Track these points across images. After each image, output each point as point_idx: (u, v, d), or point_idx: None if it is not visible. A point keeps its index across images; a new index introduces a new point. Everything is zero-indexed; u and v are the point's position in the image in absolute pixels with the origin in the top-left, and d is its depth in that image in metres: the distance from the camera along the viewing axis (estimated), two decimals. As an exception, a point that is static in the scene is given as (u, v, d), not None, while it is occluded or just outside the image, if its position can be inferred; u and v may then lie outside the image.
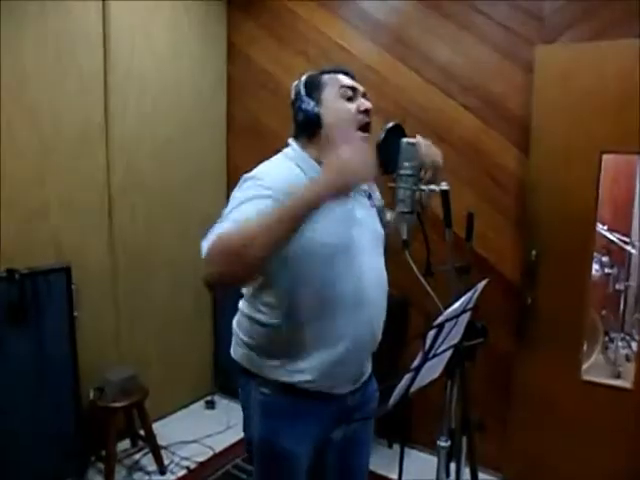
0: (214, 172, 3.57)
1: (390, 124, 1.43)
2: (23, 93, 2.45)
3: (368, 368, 1.60)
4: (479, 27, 2.66)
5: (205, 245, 1.22)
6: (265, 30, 3.35)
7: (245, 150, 3.54)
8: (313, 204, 1.14)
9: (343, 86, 1.44)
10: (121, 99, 2.89)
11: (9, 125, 2.41)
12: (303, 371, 1.42)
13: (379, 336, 1.54)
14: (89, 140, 2.76)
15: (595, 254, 3.10)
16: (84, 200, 2.76)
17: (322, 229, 1.31)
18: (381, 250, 1.57)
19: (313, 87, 1.46)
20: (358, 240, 1.45)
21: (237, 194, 1.34)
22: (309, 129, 1.45)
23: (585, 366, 2.68)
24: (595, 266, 3.28)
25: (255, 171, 1.39)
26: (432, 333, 1.19)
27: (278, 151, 1.55)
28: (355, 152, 1.18)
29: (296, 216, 1.14)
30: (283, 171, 1.40)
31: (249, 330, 1.48)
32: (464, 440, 1.61)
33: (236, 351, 1.56)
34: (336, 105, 1.44)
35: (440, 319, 1.21)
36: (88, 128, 2.75)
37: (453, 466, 1.63)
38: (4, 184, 2.40)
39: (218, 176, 3.60)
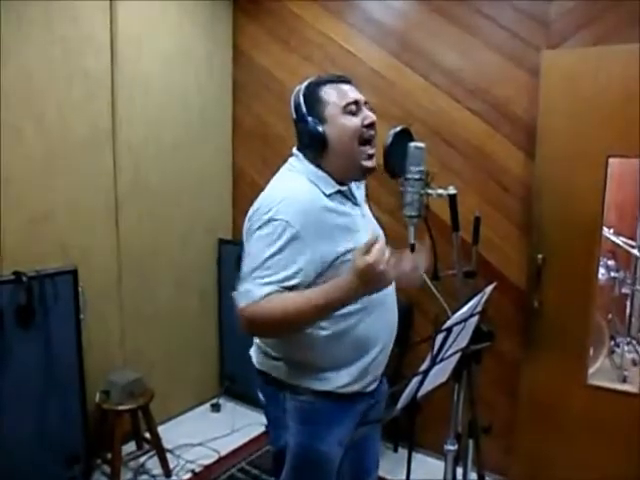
0: (220, 175, 3.58)
1: (397, 128, 1.43)
2: (30, 97, 2.47)
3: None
4: (485, 31, 2.66)
5: (245, 303, 1.30)
6: (271, 34, 3.36)
7: (251, 154, 3.55)
8: (344, 303, 1.26)
9: (348, 103, 1.43)
10: (127, 103, 2.90)
11: (16, 129, 2.42)
12: (342, 377, 1.45)
13: (396, 331, 1.60)
14: (96, 144, 2.77)
15: (601, 258, 3.09)
16: (91, 203, 2.78)
17: (355, 240, 1.38)
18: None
19: (315, 103, 1.45)
20: None
21: (265, 238, 1.33)
22: (317, 147, 1.44)
23: (591, 370, 2.67)
24: (601, 270, 3.26)
25: (277, 204, 1.35)
26: (440, 337, 1.19)
27: (282, 154, 1.55)
28: (383, 255, 1.18)
29: (330, 309, 1.28)
30: (300, 194, 1.39)
31: (280, 341, 1.48)
32: (471, 444, 1.61)
33: (262, 362, 1.55)
34: (341, 122, 1.42)
35: (449, 323, 1.21)
36: (95, 132, 2.76)
37: (460, 470, 1.63)
38: (12, 187, 2.41)
39: (223, 179, 3.61)
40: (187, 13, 3.19)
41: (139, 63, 2.94)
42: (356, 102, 1.44)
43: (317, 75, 1.53)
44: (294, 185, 1.43)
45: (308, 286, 1.32)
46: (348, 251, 1.36)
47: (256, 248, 1.33)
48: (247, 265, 1.34)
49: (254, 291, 1.28)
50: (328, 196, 1.43)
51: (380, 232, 1.59)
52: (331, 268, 1.36)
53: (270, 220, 1.33)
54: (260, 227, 1.34)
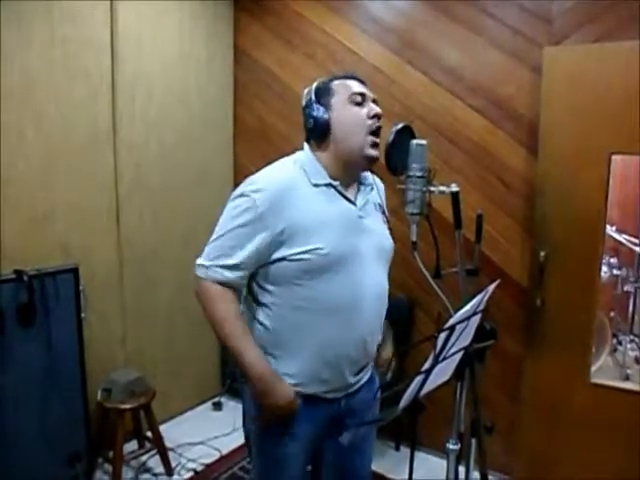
0: (221, 175, 3.57)
1: (399, 125, 1.43)
2: (31, 97, 2.46)
3: (362, 378, 1.59)
4: (487, 29, 2.65)
5: (200, 274, 1.46)
6: (272, 33, 3.36)
7: (252, 152, 3.55)
8: (247, 373, 1.43)
9: (353, 93, 1.45)
10: (128, 102, 2.90)
11: (17, 129, 2.42)
12: (293, 374, 1.46)
13: (372, 349, 1.56)
14: (97, 143, 2.77)
15: (604, 255, 3.08)
16: (92, 202, 2.77)
17: (326, 239, 1.38)
18: (385, 264, 1.58)
19: (323, 93, 1.47)
20: (363, 249, 1.46)
21: (231, 211, 1.43)
22: (318, 134, 1.46)
23: (594, 368, 2.66)
24: (604, 268, 3.25)
25: (254, 182, 1.43)
26: (443, 336, 1.19)
27: (284, 153, 1.55)
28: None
29: (241, 365, 1.44)
30: (281, 177, 1.43)
31: (250, 327, 1.51)
32: (473, 443, 1.60)
33: None
34: (345, 110, 1.45)
35: (451, 321, 1.20)
36: (96, 131, 2.76)
37: (462, 469, 1.62)
38: (12, 187, 2.41)
39: (225, 179, 3.60)
40: (188, 12, 3.19)
41: (140, 62, 2.94)
42: (362, 94, 1.46)
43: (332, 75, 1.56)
44: (279, 169, 1.48)
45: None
46: (303, 252, 1.38)
47: (223, 218, 1.46)
48: (215, 231, 1.47)
49: (206, 270, 1.44)
50: (315, 185, 1.44)
51: (388, 245, 1.58)
52: (274, 264, 1.42)
53: (241, 195, 1.41)
54: (232, 198, 1.44)
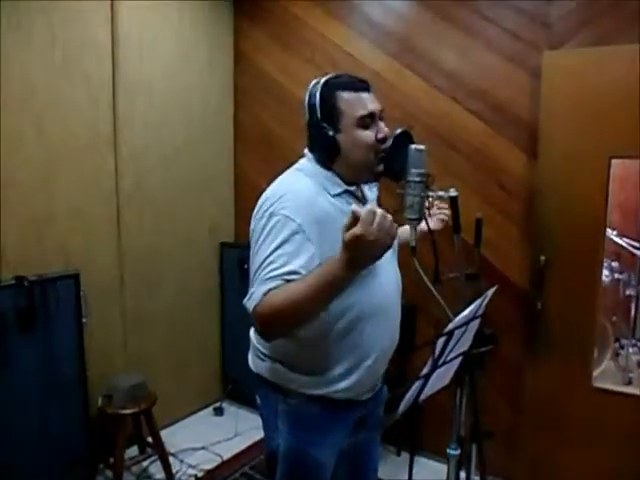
0: (221, 179, 3.58)
1: (398, 130, 1.42)
2: (31, 102, 2.47)
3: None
4: (486, 33, 2.65)
5: (252, 306, 1.24)
6: (272, 37, 3.37)
7: (252, 157, 3.55)
8: (344, 282, 1.15)
9: (362, 116, 1.41)
10: (129, 107, 2.91)
11: (17, 134, 2.42)
12: (336, 382, 1.43)
13: (397, 340, 1.57)
14: (97, 148, 2.78)
15: (605, 259, 3.07)
16: (93, 208, 2.78)
17: None
18: (396, 256, 1.60)
19: (330, 109, 1.42)
20: None
21: (267, 235, 1.31)
22: (327, 153, 1.44)
23: (596, 373, 2.65)
24: (605, 272, 3.24)
25: (277, 199, 1.35)
26: (442, 340, 1.18)
27: (285, 158, 1.55)
28: (370, 225, 1.07)
29: (334, 288, 1.16)
30: (301, 191, 1.38)
31: (275, 343, 1.45)
32: (474, 448, 1.60)
33: (257, 364, 1.55)
34: (355, 134, 1.41)
35: (450, 326, 1.20)
36: (96, 136, 2.76)
37: (463, 474, 1.62)
38: (13, 192, 2.41)
39: (225, 183, 3.61)
40: (188, 16, 3.20)
41: (140, 66, 2.95)
42: (371, 115, 1.42)
43: (335, 73, 1.49)
44: (297, 182, 1.42)
45: None
46: None
47: (258, 246, 1.32)
48: (253, 265, 1.31)
49: (257, 291, 1.24)
50: (334, 196, 1.42)
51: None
52: None
53: (271, 215, 1.32)
54: (261, 224, 1.34)
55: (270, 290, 1.22)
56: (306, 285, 1.16)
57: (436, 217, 1.79)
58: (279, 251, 1.27)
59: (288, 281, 1.22)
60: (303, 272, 1.23)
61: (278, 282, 1.23)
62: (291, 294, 1.18)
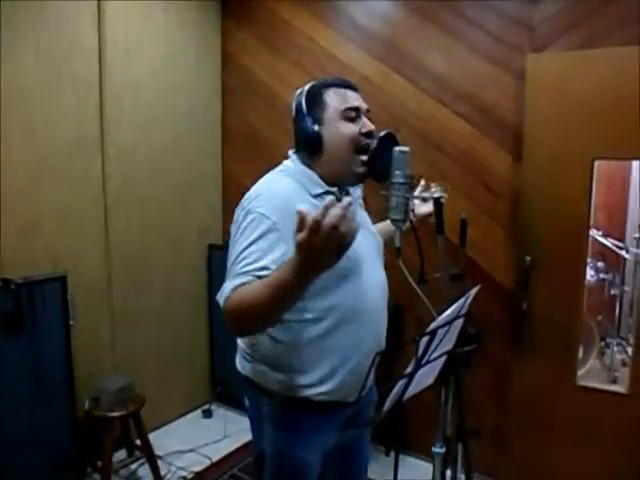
0: (209, 180, 3.58)
1: (382, 132, 1.43)
2: (18, 105, 2.46)
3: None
4: (471, 36, 2.68)
5: (222, 301, 1.24)
6: (260, 39, 3.38)
7: (240, 158, 3.55)
8: (296, 287, 1.09)
9: (347, 108, 1.42)
10: (116, 109, 2.90)
11: (3, 136, 2.41)
12: (320, 384, 1.42)
13: (384, 341, 1.55)
14: (84, 150, 2.77)
15: (590, 260, 3.11)
16: (80, 209, 2.77)
17: None
18: (382, 257, 1.60)
19: (315, 104, 1.44)
20: (364, 249, 1.46)
21: (242, 232, 1.32)
22: (311, 148, 1.44)
23: (581, 372, 2.68)
24: (590, 272, 3.28)
25: (255, 198, 1.36)
26: (425, 340, 1.20)
27: (272, 159, 1.55)
28: (316, 234, 0.99)
29: (288, 292, 1.11)
30: (279, 191, 1.38)
31: (260, 345, 1.45)
32: (459, 447, 1.61)
33: (244, 366, 1.55)
34: (338, 127, 1.42)
35: (432, 326, 1.21)
36: (83, 138, 2.75)
37: (449, 473, 1.63)
38: (-1, 194, 2.40)
39: (213, 184, 3.61)
40: (175, 17, 3.20)
41: (127, 68, 2.95)
42: (356, 109, 1.43)
43: (323, 78, 1.51)
44: (276, 182, 1.43)
45: None
46: None
47: (234, 242, 1.34)
48: (228, 261, 1.33)
49: (228, 286, 1.24)
50: (315, 196, 1.42)
51: (377, 239, 1.59)
52: None
53: (247, 213, 1.34)
54: (237, 221, 1.36)
55: (240, 285, 1.22)
56: (267, 285, 1.14)
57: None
58: (252, 247, 1.28)
59: (260, 277, 1.22)
60: (274, 267, 1.22)
61: (249, 278, 1.23)
62: (255, 292, 1.17)
